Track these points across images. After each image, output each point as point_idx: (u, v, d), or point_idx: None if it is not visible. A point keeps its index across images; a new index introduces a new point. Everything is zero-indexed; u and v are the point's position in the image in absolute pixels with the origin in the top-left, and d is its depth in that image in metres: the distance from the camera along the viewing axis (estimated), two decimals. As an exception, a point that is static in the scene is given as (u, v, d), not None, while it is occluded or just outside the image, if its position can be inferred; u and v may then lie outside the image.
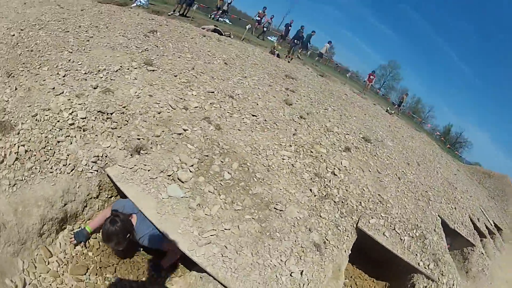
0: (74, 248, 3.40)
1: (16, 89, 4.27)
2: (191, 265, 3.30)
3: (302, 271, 3.13)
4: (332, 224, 3.87)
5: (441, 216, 5.24)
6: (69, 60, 5.22)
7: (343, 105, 7.49)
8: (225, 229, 3.17)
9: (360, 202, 4.38)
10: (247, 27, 18.20)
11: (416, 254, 4.19)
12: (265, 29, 21.67)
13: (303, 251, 3.31)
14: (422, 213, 4.99)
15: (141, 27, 7.80)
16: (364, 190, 4.62)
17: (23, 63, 4.89)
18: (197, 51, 7.28)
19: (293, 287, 2.98)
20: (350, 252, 3.83)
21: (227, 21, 20.96)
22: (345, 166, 4.85)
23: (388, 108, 16.93)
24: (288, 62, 12.49)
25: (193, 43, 7.80)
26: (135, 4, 14.47)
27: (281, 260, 3.11)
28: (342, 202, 4.24)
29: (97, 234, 3.56)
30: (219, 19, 19.84)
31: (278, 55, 13.08)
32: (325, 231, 3.74)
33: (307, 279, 3.11)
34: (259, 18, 21.78)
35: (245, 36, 15.71)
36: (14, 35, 5.69)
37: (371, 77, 21.18)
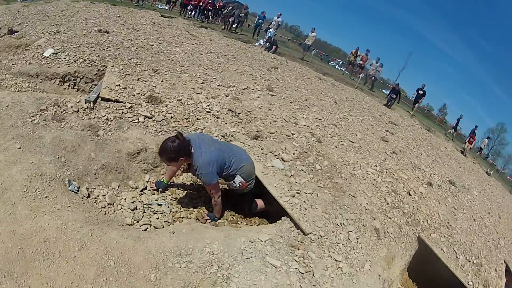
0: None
1: (162, 81, 6.15)
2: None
3: (358, 239, 3.95)
4: (395, 225, 4.64)
5: (506, 262, 5.49)
6: (205, 74, 7.07)
7: (439, 155, 8.13)
8: (307, 192, 4.26)
9: (427, 220, 5.05)
10: (361, 76, 19.53)
11: (468, 274, 4.61)
12: (373, 78, 21.46)
13: (363, 228, 4.14)
14: (487, 251, 5.35)
15: (264, 62, 9.62)
16: (434, 214, 5.27)
17: (166, 67, 6.88)
18: (312, 89, 8.69)
19: (347, 245, 3.82)
20: (410, 259, 4.50)
21: (345, 71, 22.41)
22: (421, 192, 5.59)
23: (488, 170, 16.40)
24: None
25: (309, 82, 9.29)
26: (258, 44, 16.76)
27: (343, 224, 4.02)
28: (410, 215, 4.98)
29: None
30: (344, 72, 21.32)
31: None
32: (388, 226, 4.51)
33: (361, 247, 3.90)
34: (361, 62, 21.29)
35: (358, 85, 17.12)
36: (153, 45, 7.99)
37: (471, 139, 20.02)
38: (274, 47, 16.04)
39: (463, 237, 5.20)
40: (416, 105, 19.98)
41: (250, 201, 4.38)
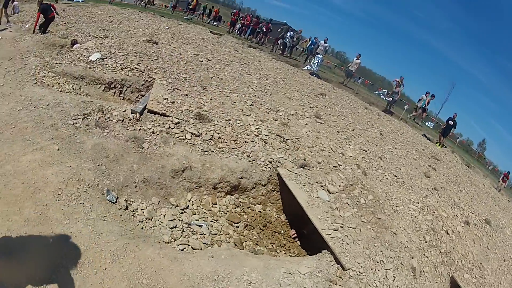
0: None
1: (211, 99, 6.33)
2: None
3: (395, 277, 4.15)
4: (431, 264, 4.79)
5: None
6: (254, 96, 7.28)
7: (477, 192, 8.13)
8: (350, 227, 4.52)
9: (461, 260, 5.16)
10: (405, 107, 19.01)
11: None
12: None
13: (400, 266, 4.34)
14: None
15: (312, 88, 9.82)
16: (468, 254, 5.38)
17: (215, 85, 7.05)
18: (358, 119, 8.86)
19: (384, 283, 4.01)
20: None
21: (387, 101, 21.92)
22: (459, 231, 5.71)
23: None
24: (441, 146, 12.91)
25: (355, 112, 9.45)
26: (305, 68, 16.88)
27: (382, 261, 4.23)
28: (447, 254, 5.11)
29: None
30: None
31: None
32: (424, 266, 4.67)
33: (396, 286, 4.08)
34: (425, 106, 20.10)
35: (403, 116, 16.75)
36: (202, 61, 8.10)
37: (505, 178, 19.20)
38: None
39: (492, 278, 5.29)
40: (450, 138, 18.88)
41: None
